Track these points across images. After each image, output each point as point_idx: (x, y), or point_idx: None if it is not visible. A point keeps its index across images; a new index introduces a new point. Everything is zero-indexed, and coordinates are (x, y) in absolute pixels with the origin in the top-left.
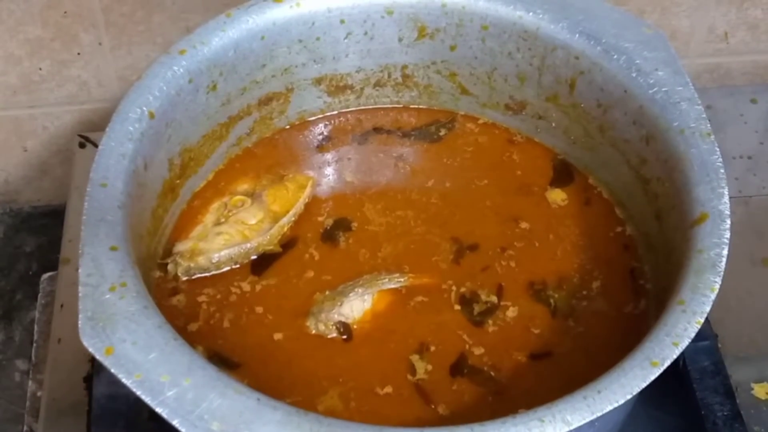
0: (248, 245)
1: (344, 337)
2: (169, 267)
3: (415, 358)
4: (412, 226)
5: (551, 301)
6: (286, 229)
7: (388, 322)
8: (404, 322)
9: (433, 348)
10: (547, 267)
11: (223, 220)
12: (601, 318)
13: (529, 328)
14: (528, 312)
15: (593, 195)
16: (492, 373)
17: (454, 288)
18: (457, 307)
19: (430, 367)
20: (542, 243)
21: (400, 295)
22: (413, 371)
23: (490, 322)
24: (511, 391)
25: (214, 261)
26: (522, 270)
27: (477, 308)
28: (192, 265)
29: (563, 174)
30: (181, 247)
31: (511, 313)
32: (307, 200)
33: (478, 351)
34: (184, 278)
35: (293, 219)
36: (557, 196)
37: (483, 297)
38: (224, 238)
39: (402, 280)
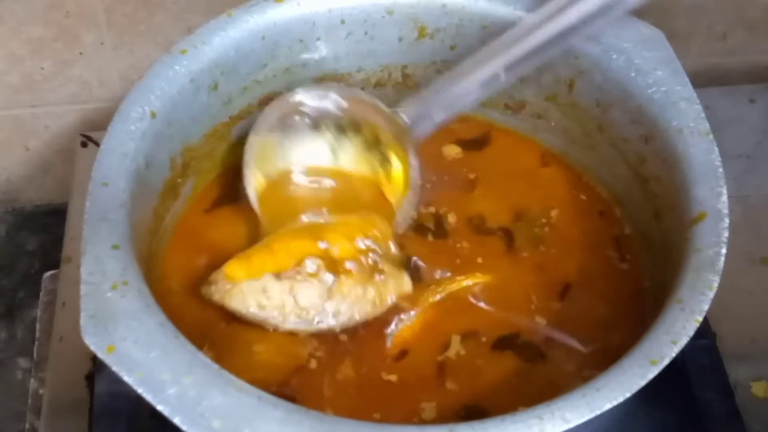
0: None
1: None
2: (204, 290)
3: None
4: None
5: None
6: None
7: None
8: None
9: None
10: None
11: (284, 275)
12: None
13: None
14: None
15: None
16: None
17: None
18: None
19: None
20: None
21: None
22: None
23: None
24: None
25: (246, 312)
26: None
27: None
28: (225, 294)
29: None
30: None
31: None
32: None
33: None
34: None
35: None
36: None
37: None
38: (265, 297)
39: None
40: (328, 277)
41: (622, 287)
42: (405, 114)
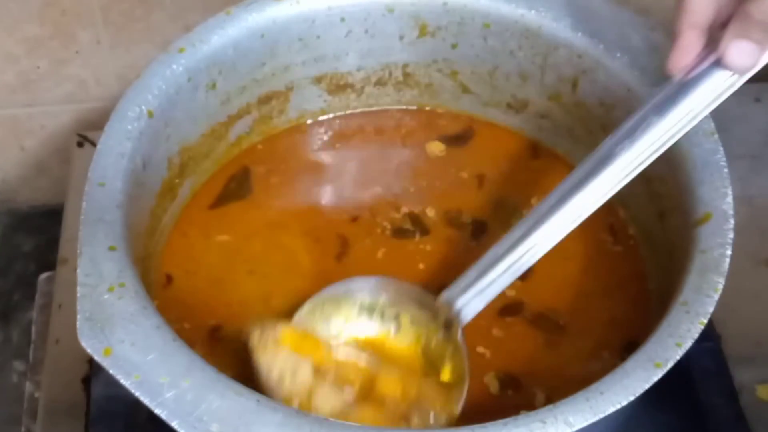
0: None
1: None
2: (256, 324)
3: None
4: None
5: None
6: None
7: None
8: None
9: None
10: None
11: (322, 368)
12: None
13: None
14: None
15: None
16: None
17: None
18: None
19: None
20: None
21: None
22: None
23: None
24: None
25: (263, 373)
26: None
27: None
28: (263, 345)
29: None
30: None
31: None
32: None
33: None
34: None
35: None
36: None
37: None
38: (290, 377)
39: None
40: (350, 393)
41: (617, 267)
42: (452, 297)
